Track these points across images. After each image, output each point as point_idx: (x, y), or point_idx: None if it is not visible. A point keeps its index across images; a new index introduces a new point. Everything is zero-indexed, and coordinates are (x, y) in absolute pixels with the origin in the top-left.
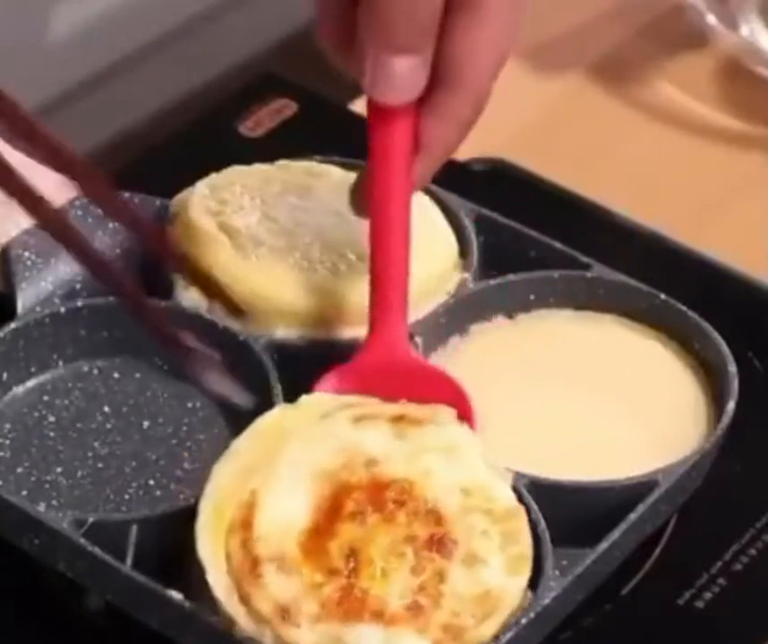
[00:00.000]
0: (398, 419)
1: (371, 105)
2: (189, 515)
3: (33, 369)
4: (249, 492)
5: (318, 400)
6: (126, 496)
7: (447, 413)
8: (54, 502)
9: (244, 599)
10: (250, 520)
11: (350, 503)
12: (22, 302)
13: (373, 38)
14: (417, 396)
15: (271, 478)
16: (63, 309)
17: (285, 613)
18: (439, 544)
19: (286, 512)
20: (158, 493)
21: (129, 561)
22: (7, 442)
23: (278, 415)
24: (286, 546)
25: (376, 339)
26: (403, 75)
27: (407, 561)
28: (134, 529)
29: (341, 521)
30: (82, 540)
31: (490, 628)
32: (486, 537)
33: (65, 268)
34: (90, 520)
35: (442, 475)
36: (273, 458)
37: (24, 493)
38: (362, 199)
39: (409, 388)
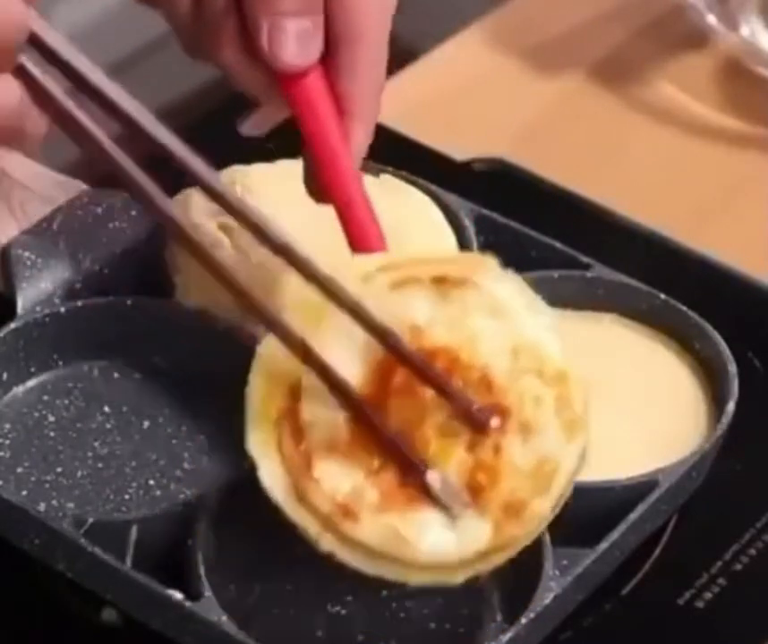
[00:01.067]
0: (440, 281)
1: (286, 85)
2: (189, 515)
3: (33, 369)
4: (295, 375)
5: (356, 262)
6: (126, 496)
7: (489, 264)
8: (54, 502)
9: (302, 498)
10: (297, 406)
11: (398, 376)
12: (22, 302)
13: (264, 8)
14: None
15: None
16: (63, 309)
17: (344, 509)
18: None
19: None
20: (158, 493)
21: (129, 561)
22: (7, 442)
23: None
24: (338, 432)
25: None
26: (299, 36)
27: (462, 437)
28: (134, 529)
29: (390, 396)
30: (82, 540)
31: (547, 501)
32: (539, 403)
33: (65, 268)
34: (90, 520)
35: (489, 338)
36: (315, 334)
37: (24, 493)
38: (315, 185)
39: None
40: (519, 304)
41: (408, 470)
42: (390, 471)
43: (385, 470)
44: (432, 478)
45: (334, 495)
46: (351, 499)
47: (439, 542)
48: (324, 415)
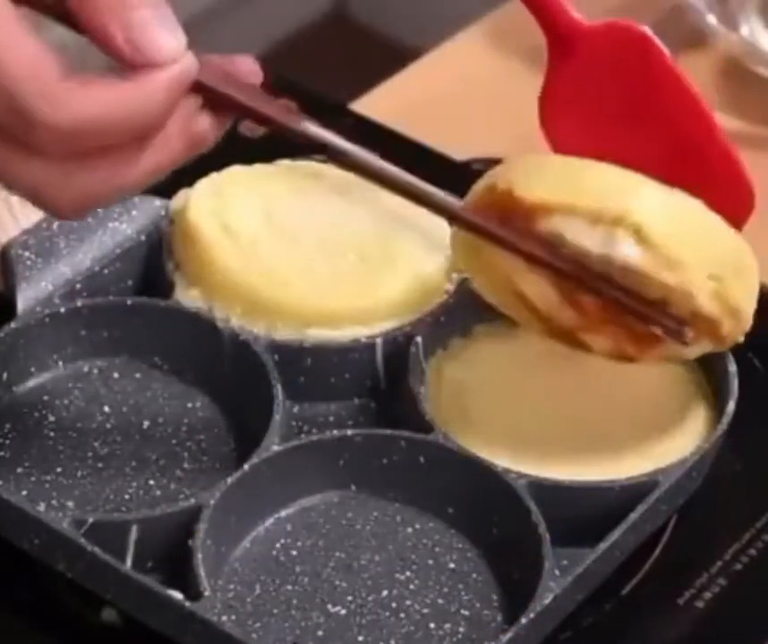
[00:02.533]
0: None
1: None
2: (189, 515)
3: (33, 369)
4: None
5: None
6: (126, 496)
7: (629, 191)
8: (54, 502)
9: (585, 346)
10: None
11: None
12: (22, 302)
13: None
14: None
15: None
16: (63, 309)
17: (623, 355)
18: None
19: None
20: (158, 493)
21: (129, 561)
22: (7, 442)
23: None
24: (578, 316)
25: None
26: None
27: None
28: (134, 529)
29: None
30: (82, 540)
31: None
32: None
33: (65, 268)
34: (90, 520)
35: (643, 264)
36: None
37: (24, 493)
38: None
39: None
40: (657, 222)
41: (666, 332)
42: (624, 325)
43: (617, 324)
44: (689, 335)
45: (609, 352)
46: (618, 351)
47: (700, 347)
48: (556, 308)
